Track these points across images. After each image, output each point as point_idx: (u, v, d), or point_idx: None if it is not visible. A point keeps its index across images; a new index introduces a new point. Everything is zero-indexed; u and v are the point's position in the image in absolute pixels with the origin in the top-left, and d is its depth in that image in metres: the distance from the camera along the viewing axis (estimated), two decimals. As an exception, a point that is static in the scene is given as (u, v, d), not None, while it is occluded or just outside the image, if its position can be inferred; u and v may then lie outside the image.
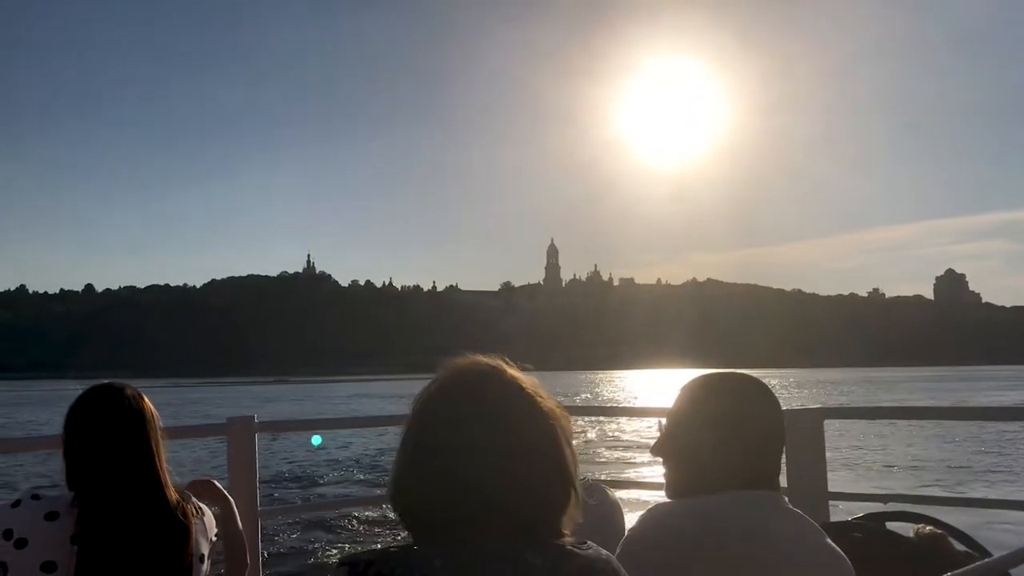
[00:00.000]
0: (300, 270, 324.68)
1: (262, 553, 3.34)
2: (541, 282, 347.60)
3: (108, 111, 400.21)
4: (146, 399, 2.25)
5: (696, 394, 1.79)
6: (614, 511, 2.05)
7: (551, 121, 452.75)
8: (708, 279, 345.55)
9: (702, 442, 1.71)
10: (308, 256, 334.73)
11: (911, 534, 2.42)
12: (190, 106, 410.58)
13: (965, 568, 1.94)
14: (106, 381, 2.27)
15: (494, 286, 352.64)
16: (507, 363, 1.27)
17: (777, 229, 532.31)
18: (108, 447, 2.13)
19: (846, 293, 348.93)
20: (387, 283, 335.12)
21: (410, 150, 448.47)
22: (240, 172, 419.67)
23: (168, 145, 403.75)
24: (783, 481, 3.17)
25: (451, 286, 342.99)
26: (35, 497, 2.09)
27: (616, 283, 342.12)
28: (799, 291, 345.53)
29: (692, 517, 1.62)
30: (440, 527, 1.16)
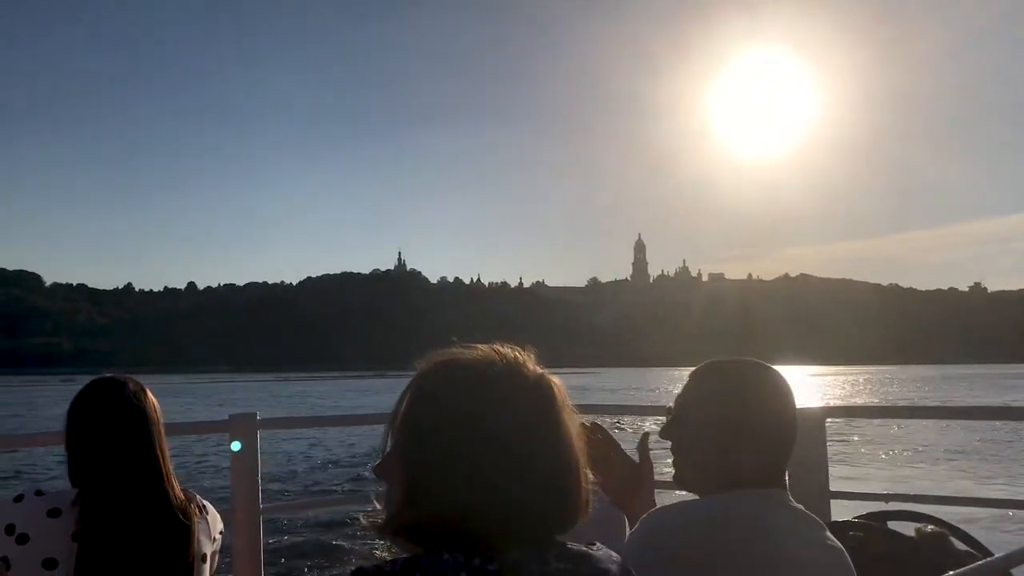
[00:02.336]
0: (392, 267, 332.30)
1: (264, 550, 3.38)
2: (628, 278, 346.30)
3: (205, 110, 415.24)
4: (149, 393, 2.24)
5: (708, 387, 1.74)
6: (615, 511, 2.08)
7: (637, 114, 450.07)
8: (801, 274, 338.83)
9: (712, 441, 1.67)
10: (399, 254, 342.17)
11: (913, 533, 2.45)
12: (288, 106, 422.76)
13: (966, 567, 1.94)
14: (108, 375, 2.26)
15: (581, 282, 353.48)
16: (526, 355, 1.21)
17: (873, 221, 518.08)
18: (109, 442, 2.12)
19: (945, 287, 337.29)
20: (475, 280, 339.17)
21: (496, 147, 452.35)
22: (333, 171, 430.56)
23: (263, 145, 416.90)
24: (786, 479, 3.45)
25: (538, 282, 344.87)
26: (38, 493, 2.09)
27: (705, 278, 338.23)
28: (896, 285, 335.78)
29: (699, 517, 1.60)
30: (462, 535, 1.09)
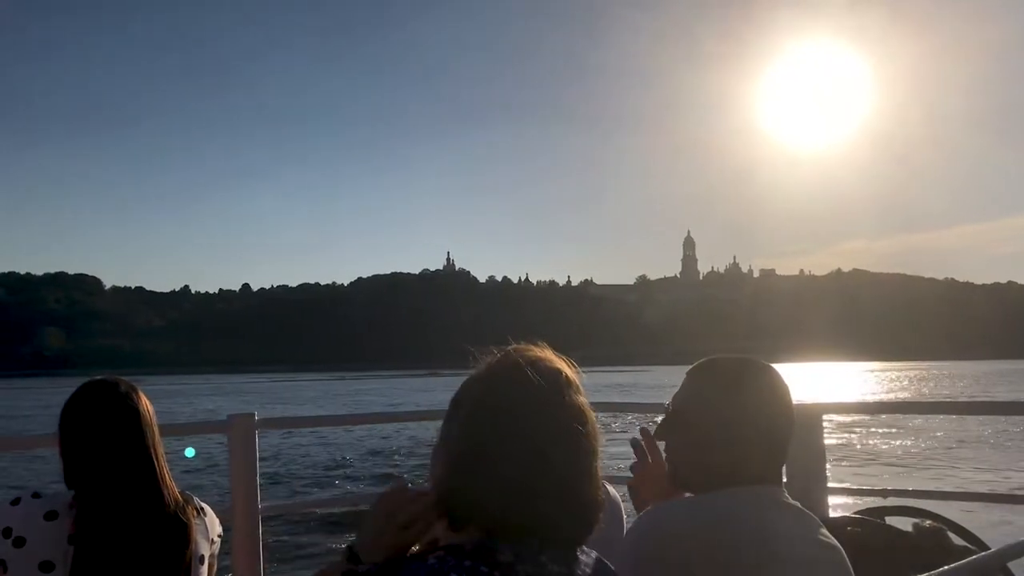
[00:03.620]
0: (440, 267, 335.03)
1: (263, 550, 3.40)
2: (678, 275, 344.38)
3: (258, 113, 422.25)
4: (142, 395, 2.23)
5: (705, 386, 1.73)
6: (616, 509, 2.10)
7: (684, 109, 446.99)
8: (854, 269, 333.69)
9: (709, 438, 1.67)
10: (448, 254, 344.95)
11: (910, 529, 2.47)
12: (337, 107, 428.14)
13: (963, 561, 1.93)
14: (100, 377, 2.26)
15: (630, 280, 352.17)
16: (556, 354, 1.24)
17: (930, 215, 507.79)
18: (104, 445, 2.12)
19: (1004, 281, 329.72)
20: (523, 279, 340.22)
21: (543, 145, 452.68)
22: (382, 172, 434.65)
23: (314, 147, 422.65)
24: (783, 476, 3.78)
25: (586, 280, 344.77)
26: (35, 495, 2.09)
27: (756, 275, 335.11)
28: (952, 280, 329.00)
29: (695, 515, 1.60)
30: (491, 528, 1.11)
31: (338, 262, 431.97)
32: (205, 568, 2.22)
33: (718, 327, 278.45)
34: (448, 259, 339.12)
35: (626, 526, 2.00)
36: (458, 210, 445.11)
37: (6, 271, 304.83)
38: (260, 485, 3.43)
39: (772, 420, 1.69)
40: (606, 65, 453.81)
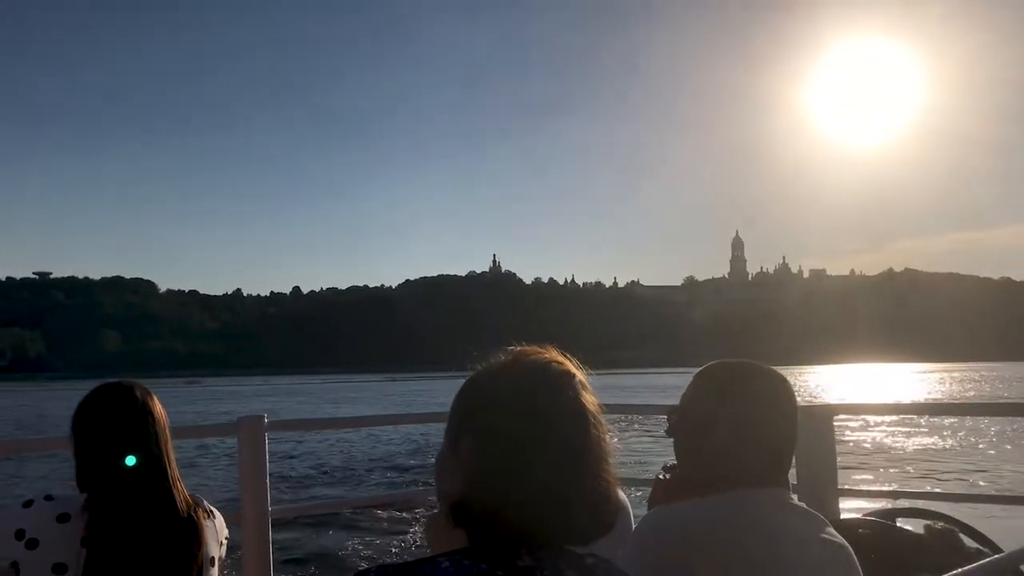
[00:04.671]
0: (487, 269, 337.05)
1: (272, 552, 3.40)
2: (726, 275, 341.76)
3: (308, 120, 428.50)
4: (155, 398, 2.26)
5: (709, 389, 1.76)
6: (627, 512, 2.09)
7: (732, 107, 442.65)
8: (906, 268, 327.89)
9: (713, 441, 1.69)
10: (494, 256, 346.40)
11: (922, 531, 2.43)
12: (389, 111, 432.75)
13: (976, 564, 1.92)
14: (113, 380, 2.27)
15: (677, 281, 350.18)
16: (563, 354, 1.25)
17: (984, 212, 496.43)
18: (116, 447, 2.13)
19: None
20: (569, 280, 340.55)
21: (590, 146, 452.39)
22: (428, 174, 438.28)
23: (360, 150, 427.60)
24: (793, 478, 3.19)
25: (633, 282, 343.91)
26: (48, 498, 2.09)
27: (806, 275, 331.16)
28: (1007, 279, 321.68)
29: (700, 517, 1.60)
30: (514, 534, 1.10)
31: (386, 264, 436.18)
32: (216, 570, 2.26)
33: (767, 328, 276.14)
34: (494, 261, 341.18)
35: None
36: (504, 211, 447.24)
37: (65, 275, 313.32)
38: (270, 487, 3.41)
39: (775, 423, 1.70)
40: (652, 64, 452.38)
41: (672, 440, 1.84)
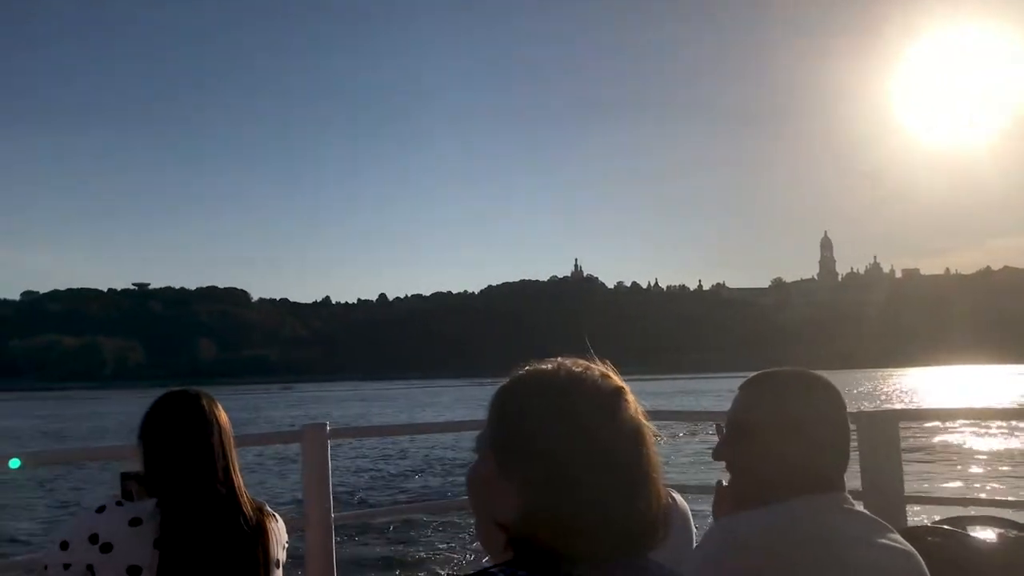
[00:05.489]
0: (568, 274, 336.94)
1: (336, 559, 3.44)
2: (815, 277, 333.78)
3: (389, 126, 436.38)
4: (219, 406, 2.35)
5: (758, 397, 1.76)
6: (684, 517, 2.06)
7: (817, 104, 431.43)
8: (1004, 266, 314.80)
9: (767, 449, 1.69)
10: (575, 260, 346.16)
11: (994, 539, 2.36)
12: (466, 115, 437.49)
13: None
14: (179, 388, 2.37)
15: (764, 282, 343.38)
16: (602, 361, 1.23)
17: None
18: (184, 453, 2.22)
19: None
20: (652, 283, 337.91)
21: (671, 146, 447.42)
22: (511, 178, 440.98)
23: (444, 155, 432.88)
24: (857, 485, 3.13)
25: (718, 284, 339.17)
26: (119, 503, 2.21)
27: (898, 275, 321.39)
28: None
29: (762, 525, 1.60)
30: (569, 550, 1.10)
31: (468, 271, 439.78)
32: (280, 572, 2.36)
33: (857, 330, 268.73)
34: (576, 265, 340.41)
35: (695, 532, 2.03)
36: (585, 215, 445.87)
37: (163, 286, 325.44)
38: (332, 493, 3.48)
39: (831, 428, 1.71)
40: (732, 62, 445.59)
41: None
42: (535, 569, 1.08)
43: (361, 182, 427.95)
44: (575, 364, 1.20)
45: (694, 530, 2.07)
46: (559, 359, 1.21)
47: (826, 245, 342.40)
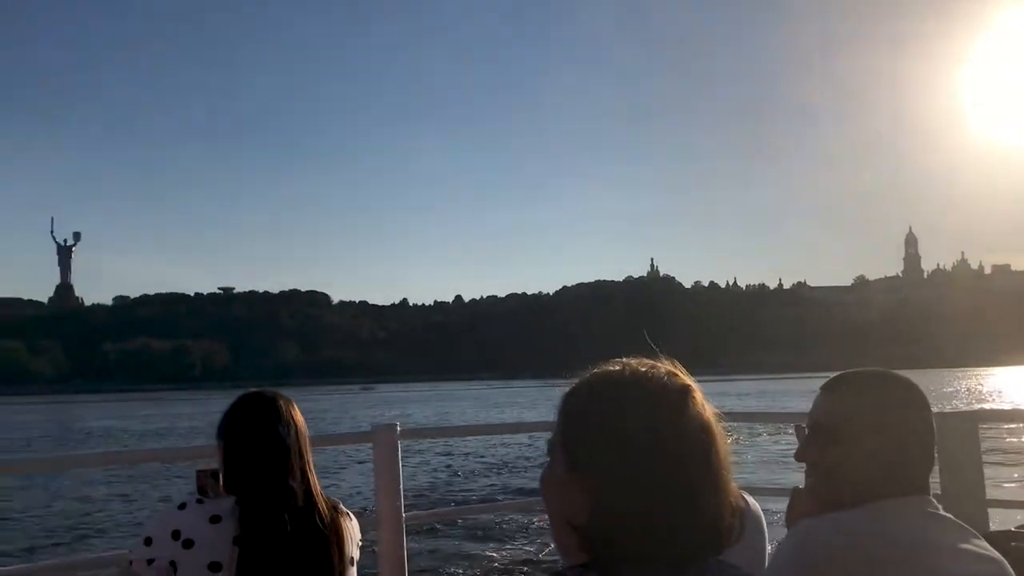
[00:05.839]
0: (644, 274, 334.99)
1: (407, 558, 3.47)
2: (899, 274, 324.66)
3: (462, 126, 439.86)
4: (295, 406, 2.43)
5: (842, 398, 1.73)
6: (757, 519, 2.03)
7: (899, 94, 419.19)
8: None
9: (851, 452, 1.66)
10: (651, 260, 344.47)
11: None
12: (536, 114, 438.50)
13: None
14: (256, 390, 2.46)
15: (846, 280, 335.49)
16: (671, 360, 1.23)
17: None
18: (264, 453, 2.30)
19: None
20: (731, 283, 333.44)
21: (747, 142, 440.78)
22: (582, 177, 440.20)
23: (517, 154, 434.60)
24: (937, 488, 3.06)
25: (799, 283, 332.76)
26: (200, 501, 2.30)
27: (988, 271, 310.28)
28: None
29: (847, 529, 1.57)
30: (643, 553, 1.10)
31: (543, 271, 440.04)
32: (354, 570, 2.44)
33: (944, 328, 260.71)
34: (652, 265, 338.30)
35: (767, 534, 2.04)
36: (661, 214, 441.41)
37: (247, 290, 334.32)
38: (403, 493, 3.51)
39: (917, 430, 1.69)
40: (806, 57, 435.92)
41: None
42: (608, 571, 1.09)
43: (435, 184, 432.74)
44: (641, 364, 1.20)
45: (767, 532, 2.06)
46: (625, 360, 1.21)
47: (911, 241, 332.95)
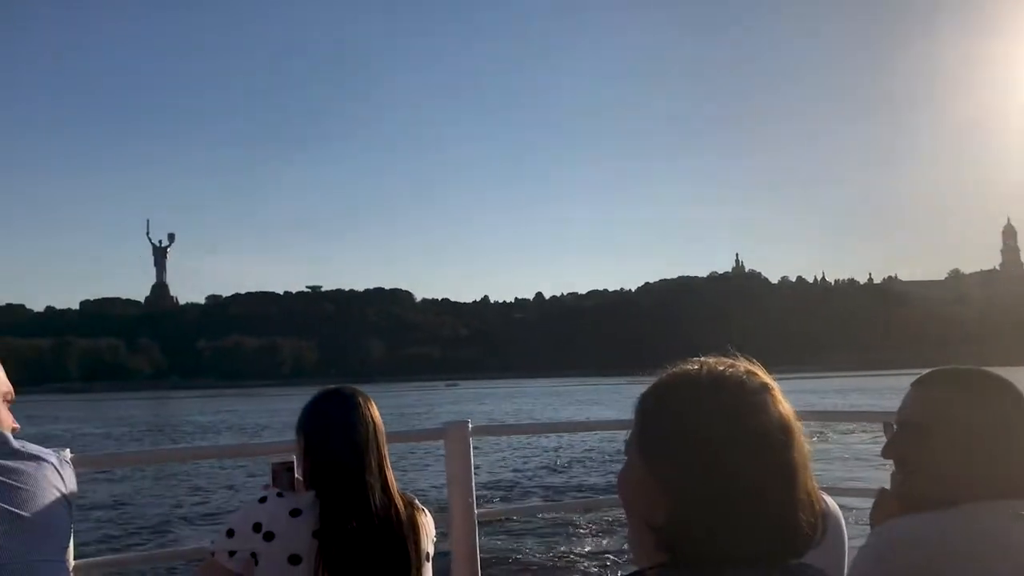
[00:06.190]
0: (729, 269, 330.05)
1: (480, 554, 3.47)
2: (997, 267, 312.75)
3: (541, 119, 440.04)
4: (373, 404, 2.48)
5: (943, 396, 1.67)
6: (838, 521, 1.99)
7: (988, 82, 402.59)
8: None
9: (945, 451, 1.62)
10: (736, 255, 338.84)
11: None
12: (618, 110, 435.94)
13: None
14: (334, 386, 2.52)
15: (940, 275, 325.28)
16: (749, 359, 1.22)
17: None
18: (342, 449, 2.35)
19: None
20: (819, 278, 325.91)
21: (834, 134, 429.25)
22: (663, 172, 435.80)
23: (598, 150, 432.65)
24: None
25: (889, 277, 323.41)
26: (280, 495, 2.34)
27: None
28: None
29: (938, 530, 1.53)
30: (724, 555, 1.09)
31: (625, 267, 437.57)
32: (430, 565, 2.46)
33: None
34: (737, 260, 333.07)
35: (847, 536, 2.01)
36: (746, 208, 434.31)
37: (334, 288, 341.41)
38: (475, 490, 3.51)
39: (1012, 430, 1.63)
40: (892, 48, 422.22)
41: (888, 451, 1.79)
42: (687, 571, 1.09)
43: (515, 178, 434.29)
44: (719, 363, 1.20)
45: (846, 533, 2.05)
46: (702, 358, 1.22)
47: (1009, 233, 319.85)
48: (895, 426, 1.77)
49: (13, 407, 2.12)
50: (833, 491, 2.78)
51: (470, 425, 3.49)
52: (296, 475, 2.58)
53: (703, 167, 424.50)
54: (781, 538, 1.11)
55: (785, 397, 1.17)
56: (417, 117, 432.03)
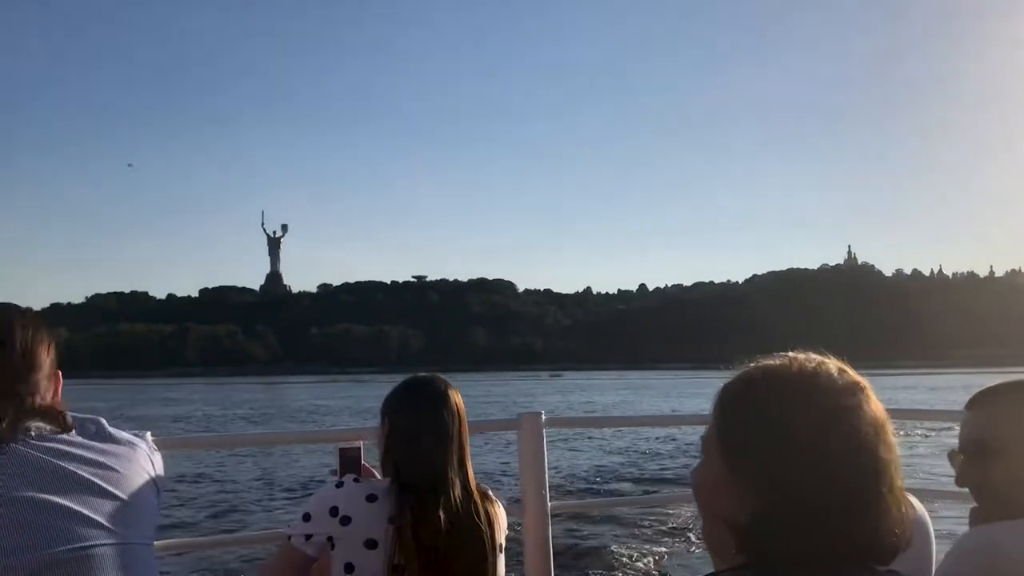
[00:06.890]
0: (841, 262, 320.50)
1: (552, 546, 3.44)
2: None
3: (640, 111, 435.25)
4: (456, 392, 2.45)
5: (996, 411, 1.64)
6: (925, 525, 1.89)
7: None
8: None
9: (1016, 465, 1.57)
10: (848, 247, 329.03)
11: None
12: (725, 107, 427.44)
13: None
14: (422, 374, 2.50)
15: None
16: (839, 358, 1.17)
17: None
18: (424, 436, 2.35)
19: None
20: (935, 271, 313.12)
21: (953, 125, 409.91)
22: (777, 165, 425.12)
23: (701, 138, 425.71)
24: None
25: (1014, 270, 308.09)
26: (356, 480, 2.37)
27: None
28: None
29: (1008, 540, 1.49)
30: (809, 556, 1.06)
31: (731, 259, 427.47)
32: (503, 556, 2.44)
33: None
34: (849, 252, 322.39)
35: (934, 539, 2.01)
36: (857, 198, 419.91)
37: (439, 278, 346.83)
38: (548, 482, 3.47)
39: None
40: (979, 35, 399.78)
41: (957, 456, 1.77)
42: (768, 573, 1.06)
43: (614, 171, 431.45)
44: (808, 359, 1.16)
45: (934, 537, 1.99)
46: (791, 354, 1.18)
47: None
48: (960, 456, 1.72)
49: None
50: (923, 494, 2.80)
51: (543, 416, 3.50)
52: (363, 461, 2.69)
53: (815, 158, 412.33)
54: (868, 542, 1.08)
55: (876, 396, 1.14)
56: (526, 111, 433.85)
